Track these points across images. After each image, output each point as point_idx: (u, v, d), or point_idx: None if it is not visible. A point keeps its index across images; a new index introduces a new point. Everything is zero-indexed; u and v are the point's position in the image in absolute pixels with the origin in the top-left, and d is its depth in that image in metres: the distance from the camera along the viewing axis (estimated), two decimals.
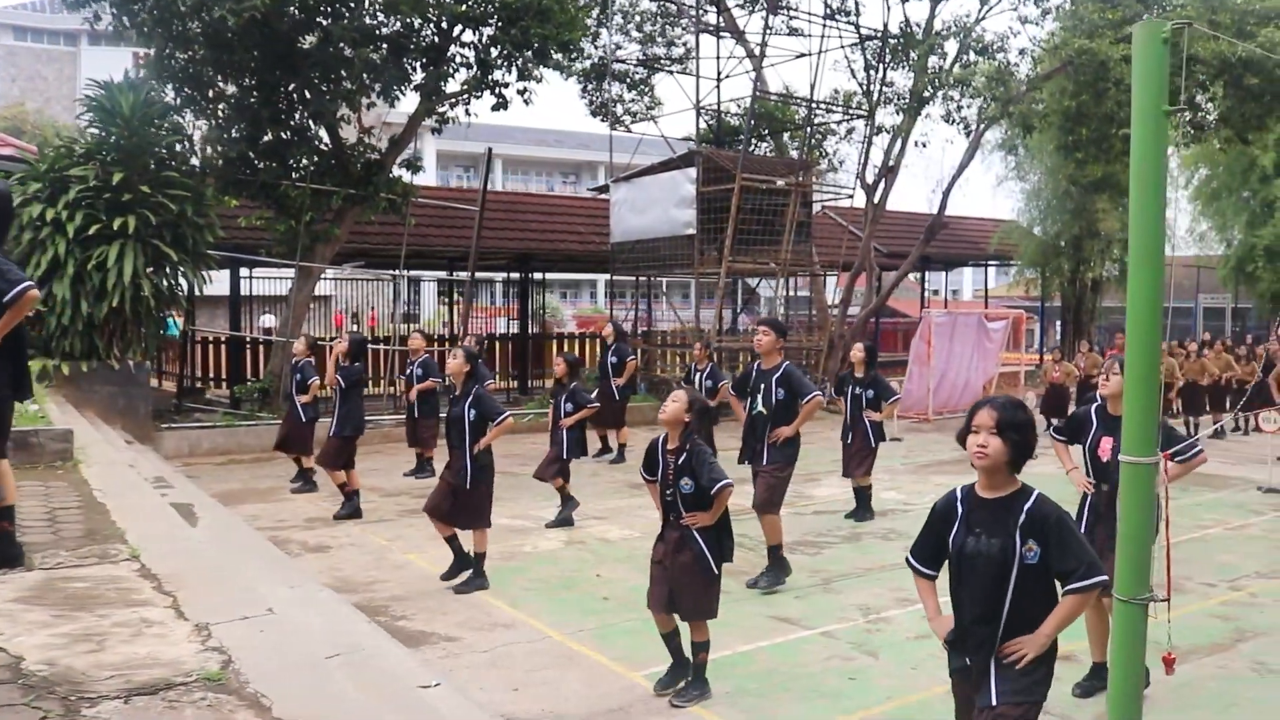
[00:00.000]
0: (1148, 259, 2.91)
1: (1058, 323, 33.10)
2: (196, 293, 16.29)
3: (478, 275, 23.35)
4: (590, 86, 23.69)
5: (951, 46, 19.48)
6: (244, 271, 19.46)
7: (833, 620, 7.52)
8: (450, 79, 16.46)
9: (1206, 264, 36.09)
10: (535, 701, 6.01)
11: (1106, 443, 6.04)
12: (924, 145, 21.67)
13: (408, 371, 13.61)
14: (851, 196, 21.43)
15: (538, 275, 24.78)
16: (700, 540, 5.91)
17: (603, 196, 22.81)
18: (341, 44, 14.89)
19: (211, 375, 20.90)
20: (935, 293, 49.45)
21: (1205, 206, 35.54)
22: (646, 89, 24.67)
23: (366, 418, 11.89)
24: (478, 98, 16.86)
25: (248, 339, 18.85)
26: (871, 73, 20.65)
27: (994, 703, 3.77)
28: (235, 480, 13.42)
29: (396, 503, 11.94)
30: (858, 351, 11.17)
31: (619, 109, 24.42)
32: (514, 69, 16.39)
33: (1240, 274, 33.22)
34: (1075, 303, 28.56)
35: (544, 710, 5.88)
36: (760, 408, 8.22)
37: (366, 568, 9.07)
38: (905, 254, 24.87)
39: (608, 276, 22.65)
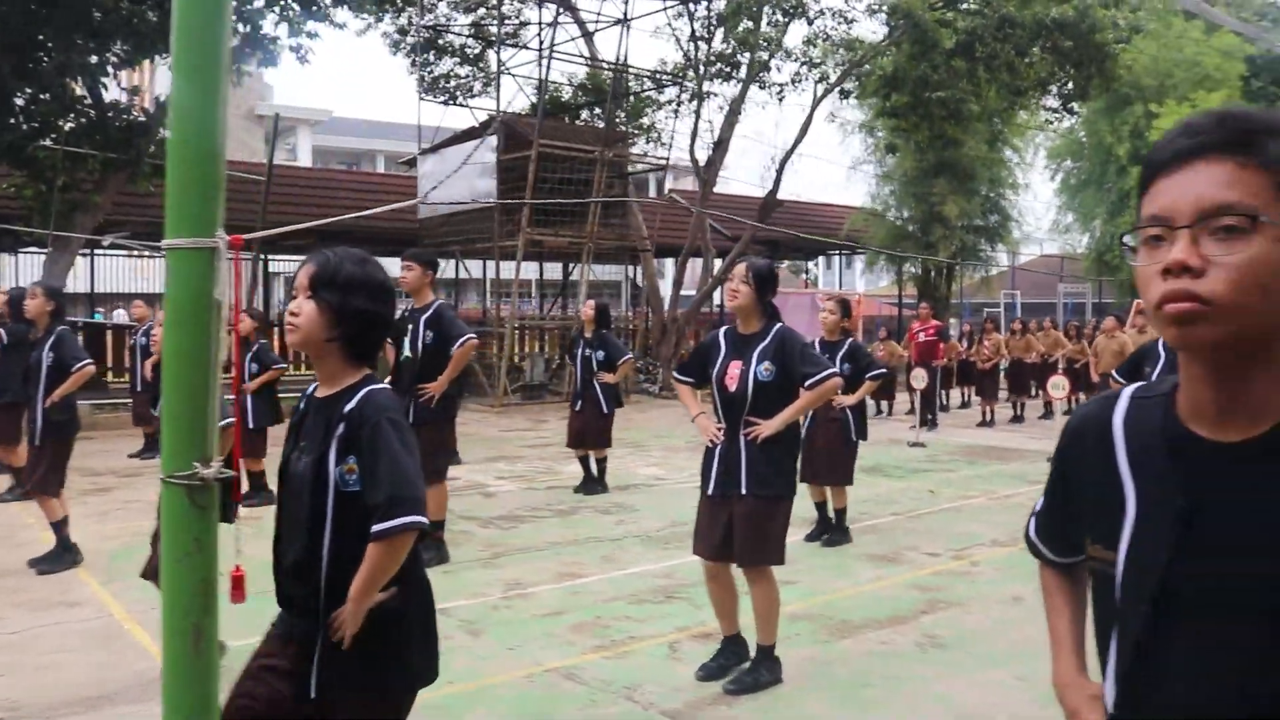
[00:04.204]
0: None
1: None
2: None
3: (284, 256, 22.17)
4: (418, 61, 22.53)
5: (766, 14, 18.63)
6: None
7: (464, 596, 6.47)
8: None
9: (1071, 256, 36.05)
10: (6, 690, 4.89)
11: (735, 367, 4.92)
12: (740, 113, 20.30)
13: (130, 344, 12.35)
14: (664, 169, 20.49)
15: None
16: None
17: (412, 172, 21.68)
18: None
19: None
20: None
21: (1070, 200, 35.50)
22: (482, 65, 23.59)
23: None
24: (249, 54, 15.59)
25: None
26: (700, 43, 19.79)
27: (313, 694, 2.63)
28: None
29: (91, 482, 10.64)
30: (588, 309, 10.21)
31: (451, 84, 23.36)
32: (283, 22, 15.16)
33: (1102, 265, 33.11)
34: (931, 290, 28.03)
35: (6, 699, 4.76)
36: (408, 352, 7.17)
37: None
38: (755, 239, 24.07)
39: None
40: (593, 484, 9.92)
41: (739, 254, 22.48)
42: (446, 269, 20.65)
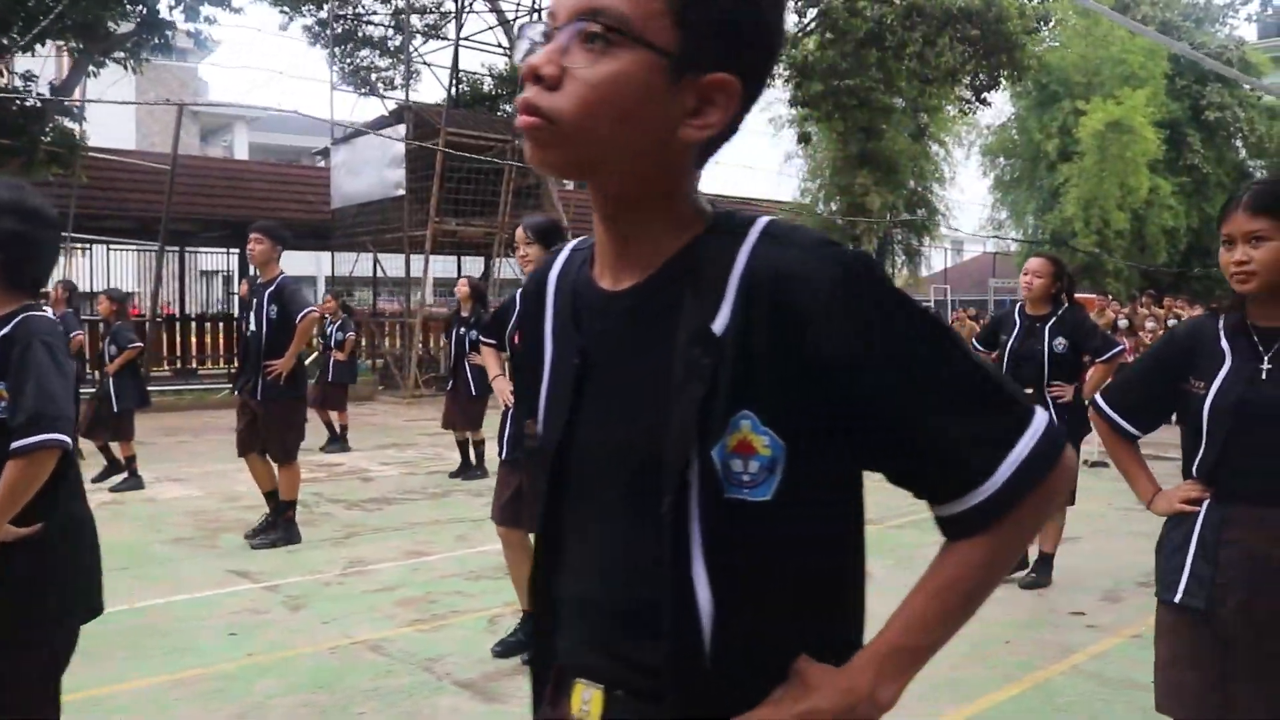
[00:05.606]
0: None
1: None
2: None
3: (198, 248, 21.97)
4: (337, 52, 22.25)
5: None
6: None
7: (299, 573, 6.33)
8: (113, 19, 14.88)
9: (1003, 252, 36.48)
10: None
11: None
12: None
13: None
14: None
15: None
16: None
17: (325, 163, 21.44)
18: None
19: None
20: None
21: (1004, 197, 35.87)
22: (401, 57, 23.34)
23: None
24: (147, 40, 15.29)
25: None
26: None
27: None
28: None
29: None
30: (462, 287, 10.01)
31: (372, 77, 23.13)
32: (181, 7, 14.89)
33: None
34: None
35: None
36: (253, 326, 6.99)
37: None
38: None
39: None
40: (469, 468, 9.76)
41: None
42: (360, 263, 20.42)
